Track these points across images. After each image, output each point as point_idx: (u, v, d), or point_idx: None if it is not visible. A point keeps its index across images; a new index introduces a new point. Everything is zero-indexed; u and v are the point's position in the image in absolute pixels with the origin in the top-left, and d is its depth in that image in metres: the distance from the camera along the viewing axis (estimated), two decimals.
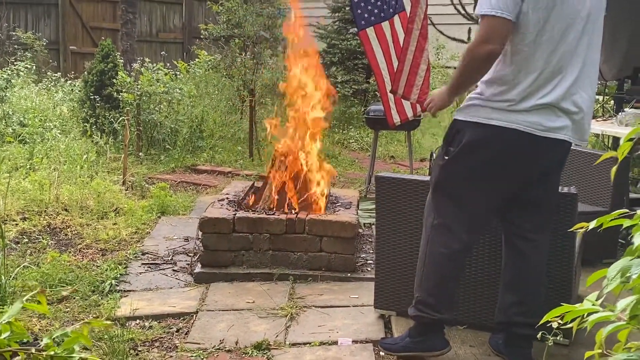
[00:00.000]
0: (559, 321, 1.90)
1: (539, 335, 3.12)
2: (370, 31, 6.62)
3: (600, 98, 9.55)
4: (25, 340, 1.98)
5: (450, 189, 3.67)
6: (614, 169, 2.09)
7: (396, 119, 6.82)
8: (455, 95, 3.71)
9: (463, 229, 3.64)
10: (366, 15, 6.60)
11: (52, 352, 1.77)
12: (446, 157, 3.62)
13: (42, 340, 1.84)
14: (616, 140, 7.07)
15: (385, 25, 6.63)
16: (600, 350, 1.74)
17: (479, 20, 3.41)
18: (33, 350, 1.80)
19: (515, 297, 3.69)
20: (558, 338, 3.22)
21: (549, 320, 1.94)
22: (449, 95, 3.68)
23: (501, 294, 3.79)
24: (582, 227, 2.05)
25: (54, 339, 1.87)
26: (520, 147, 3.46)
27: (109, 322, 2.07)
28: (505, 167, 3.53)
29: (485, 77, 3.48)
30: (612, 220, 1.91)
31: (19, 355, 1.92)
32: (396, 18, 6.66)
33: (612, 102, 9.04)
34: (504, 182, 3.60)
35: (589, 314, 1.76)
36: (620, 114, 6.76)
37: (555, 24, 3.37)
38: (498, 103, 3.44)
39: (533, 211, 3.66)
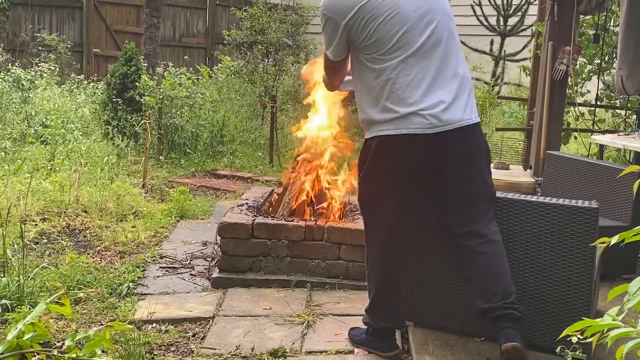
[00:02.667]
0: (579, 336, 1.89)
1: (557, 350, 3.10)
2: None
3: (623, 113, 9.50)
4: (46, 341, 1.99)
5: (370, 201, 3.97)
6: (637, 183, 2.09)
7: None
8: None
9: (388, 240, 3.92)
10: None
11: (74, 355, 1.77)
12: (361, 175, 3.99)
13: (61, 342, 1.84)
14: (638, 154, 7.03)
15: None
16: None
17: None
18: (55, 352, 1.80)
19: (476, 290, 3.81)
20: (577, 353, 3.21)
21: (569, 334, 1.93)
22: None
23: (471, 293, 3.89)
24: (603, 242, 2.04)
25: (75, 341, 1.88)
26: (409, 148, 3.71)
27: (129, 325, 2.08)
28: (404, 168, 3.77)
29: (366, 102, 3.85)
30: (634, 235, 1.90)
31: (39, 355, 1.93)
32: None
33: (634, 117, 8.98)
34: (409, 182, 3.80)
35: (609, 330, 1.75)
36: None
37: (395, 41, 3.65)
38: (381, 117, 3.74)
39: (454, 210, 3.86)
